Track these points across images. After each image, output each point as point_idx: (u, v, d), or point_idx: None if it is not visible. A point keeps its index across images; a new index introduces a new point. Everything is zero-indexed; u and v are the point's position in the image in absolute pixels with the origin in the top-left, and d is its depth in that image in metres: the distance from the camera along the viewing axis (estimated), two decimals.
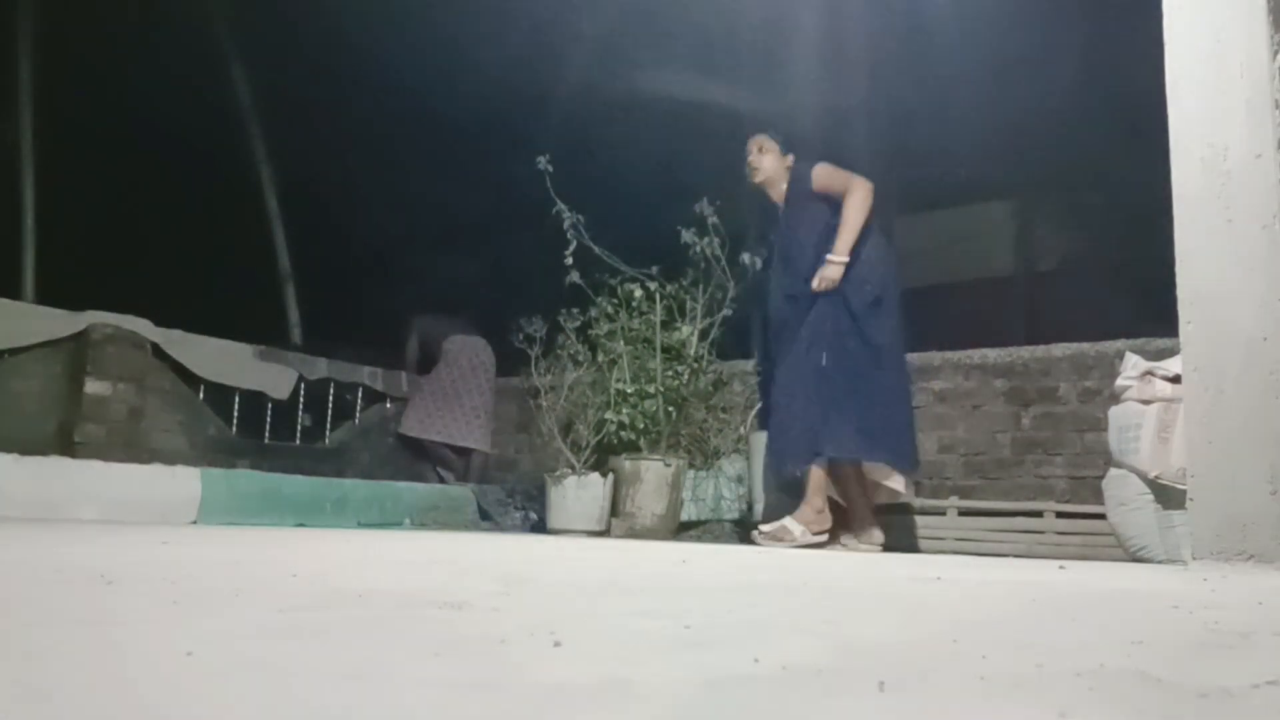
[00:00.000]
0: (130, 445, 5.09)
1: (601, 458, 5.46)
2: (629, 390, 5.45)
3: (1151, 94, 2.93)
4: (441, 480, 6.56)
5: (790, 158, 4.85)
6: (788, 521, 4.37)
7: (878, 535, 4.43)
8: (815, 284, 4.44)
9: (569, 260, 5.53)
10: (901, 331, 4.59)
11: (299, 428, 6.31)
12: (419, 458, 6.73)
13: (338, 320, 6.98)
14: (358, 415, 6.70)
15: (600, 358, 5.62)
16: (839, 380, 4.38)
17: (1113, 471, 3.77)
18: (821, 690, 0.75)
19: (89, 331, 5.01)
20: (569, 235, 5.54)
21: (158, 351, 5.36)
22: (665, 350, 5.59)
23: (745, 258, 5.62)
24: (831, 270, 4.45)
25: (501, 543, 3.48)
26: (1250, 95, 2.73)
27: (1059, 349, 5.29)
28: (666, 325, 5.63)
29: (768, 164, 4.83)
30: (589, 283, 5.57)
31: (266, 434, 6.08)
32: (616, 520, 5.31)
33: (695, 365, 5.71)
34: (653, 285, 5.62)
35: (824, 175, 4.65)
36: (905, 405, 4.61)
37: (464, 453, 6.71)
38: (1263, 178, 2.69)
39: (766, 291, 4.95)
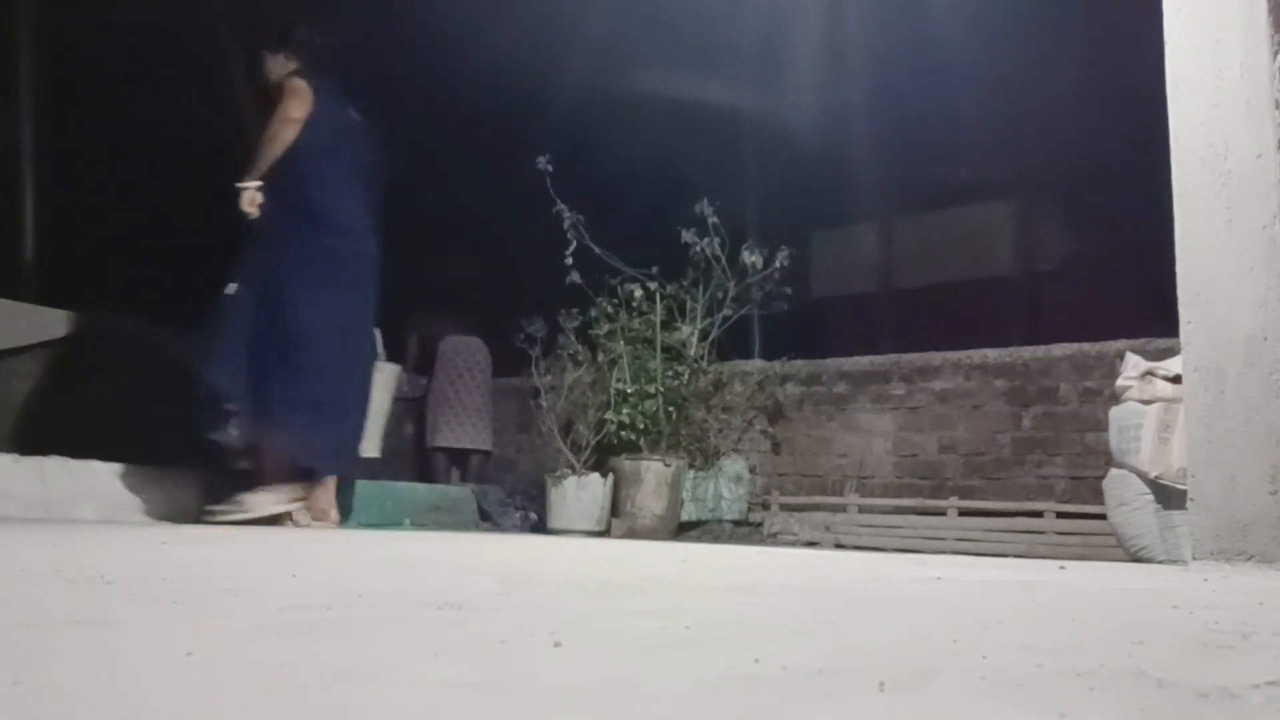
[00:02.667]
0: (131, 445, 5.09)
1: (601, 458, 5.46)
2: (629, 390, 5.45)
3: (1152, 94, 2.93)
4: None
5: (280, 55, 4.28)
6: (246, 496, 4.01)
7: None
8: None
9: (569, 260, 5.53)
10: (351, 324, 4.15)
11: None
12: (430, 466, 6.71)
13: None
14: None
15: (600, 358, 5.63)
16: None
17: (1113, 471, 3.78)
18: (821, 690, 0.75)
19: (90, 331, 5.01)
20: (569, 235, 5.54)
21: (159, 351, 5.36)
22: (665, 350, 5.59)
23: (745, 257, 5.62)
24: (241, 198, 4.01)
25: (501, 543, 3.48)
26: (1250, 95, 2.73)
27: (1059, 349, 5.29)
28: (666, 325, 5.63)
29: (268, 73, 4.28)
30: (589, 283, 5.57)
31: None
32: (616, 520, 5.31)
33: (695, 365, 5.71)
34: (653, 285, 5.62)
35: (284, 89, 4.13)
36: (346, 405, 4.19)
37: (462, 456, 6.71)
38: (1263, 177, 2.69)
39: None
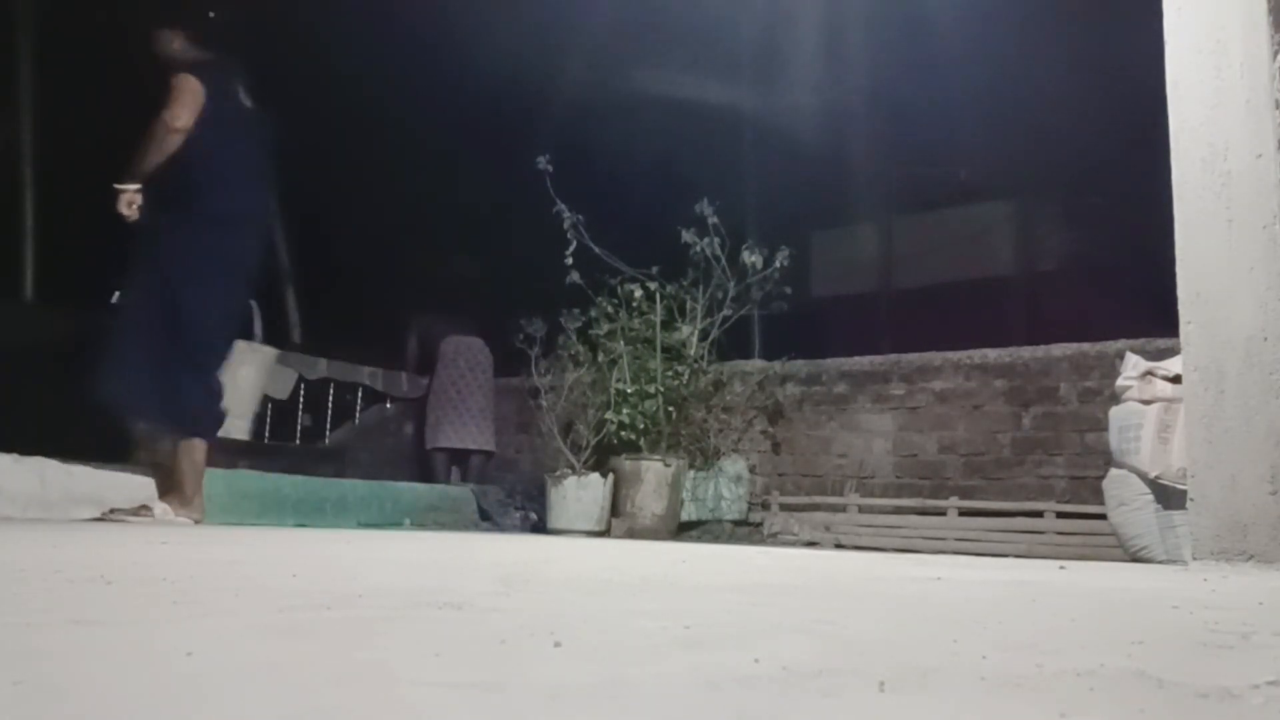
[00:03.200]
0: (130, 445, 5.08)
1: (601, 458, 5.46)
2: (629, 390, 5.45)
3: (1152, 94, 2.94)
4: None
5: (178, 37, 4.09)
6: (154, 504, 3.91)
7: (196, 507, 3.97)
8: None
9: (569, 260, 5.53)
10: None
11: (299, 428, 6.32)
12: (430, 467, 6.71)
13: (338, 320, 6.98)
14: (357, 415, 6.71)
15: (600, 358, 5.63)
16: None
17: (1113, 472, 3.77)
18: (821, 690, 0.75)
19: (89, 330, 5.01)
20: (569, 235, 5.54)
21: None
22: (665, 350, 5.59)
23: (745, 257, 5.62)
24: (119, 200, 3.88)
25: (501, 543, 3.48)
26: (1250, 95, 2.73)
27: (1059, 349, 5.29)
28: (666, 325, 5.63)
29: (159, 49, 4.09)
30: (589, 283, 5.57)
31: (266, 434, 6.08)
32: (616, 520, 5.31)
33: (695, 365, 5.71)
34: (653, 285, 5.62)
35: (173, 89, 3.89)
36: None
37: (462, 456, 6.71)
38: (1263, 178, 2.69)
39: None
